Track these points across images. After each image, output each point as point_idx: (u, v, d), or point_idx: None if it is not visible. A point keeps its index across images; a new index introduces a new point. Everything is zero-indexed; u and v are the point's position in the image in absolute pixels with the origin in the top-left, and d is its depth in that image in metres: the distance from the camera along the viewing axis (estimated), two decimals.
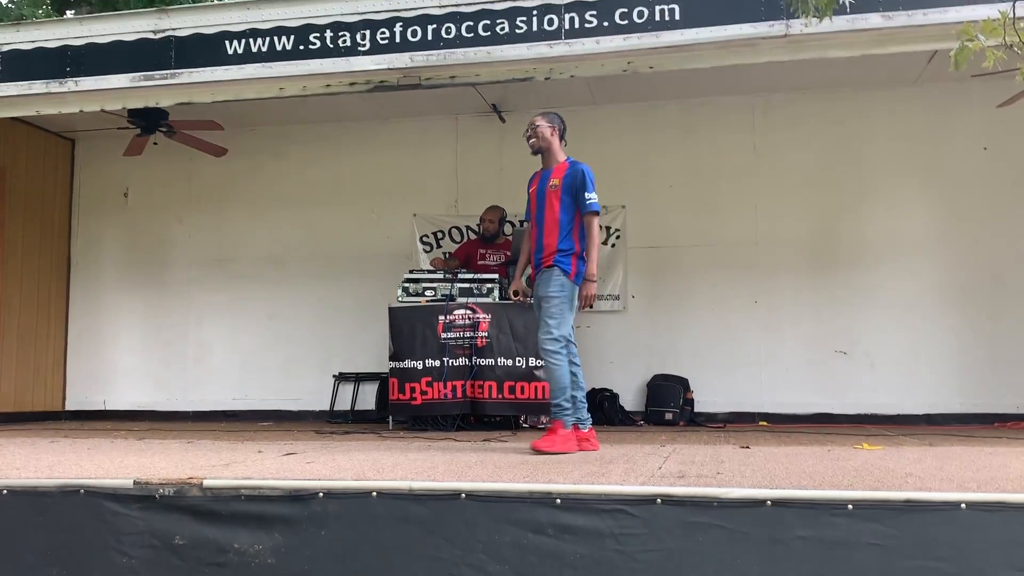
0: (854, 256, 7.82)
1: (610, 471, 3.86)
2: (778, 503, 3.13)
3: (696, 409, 7.87)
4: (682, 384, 7.90)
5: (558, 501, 3.28)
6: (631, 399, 8.06)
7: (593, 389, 7.95)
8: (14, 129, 8.34)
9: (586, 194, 5.04)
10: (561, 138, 5.27)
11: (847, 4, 4.88)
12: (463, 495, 3.36)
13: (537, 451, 4.80)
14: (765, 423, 7.61)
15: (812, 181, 7.96)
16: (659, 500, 3.22)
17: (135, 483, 3.59)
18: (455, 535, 3.32)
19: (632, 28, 5.59)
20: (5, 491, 3.66)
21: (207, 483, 3.56)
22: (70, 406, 9.13)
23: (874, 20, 5.24)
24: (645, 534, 3.20)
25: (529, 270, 5.44)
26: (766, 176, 8.04)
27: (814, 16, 4.77)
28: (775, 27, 5.35)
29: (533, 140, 5.24)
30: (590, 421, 5.21)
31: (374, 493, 3.41)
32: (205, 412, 8.74)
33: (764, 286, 7.95)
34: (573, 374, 5.09)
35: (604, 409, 7.76)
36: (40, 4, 12.21)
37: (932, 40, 5.31)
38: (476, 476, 3.66)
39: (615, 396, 7.91)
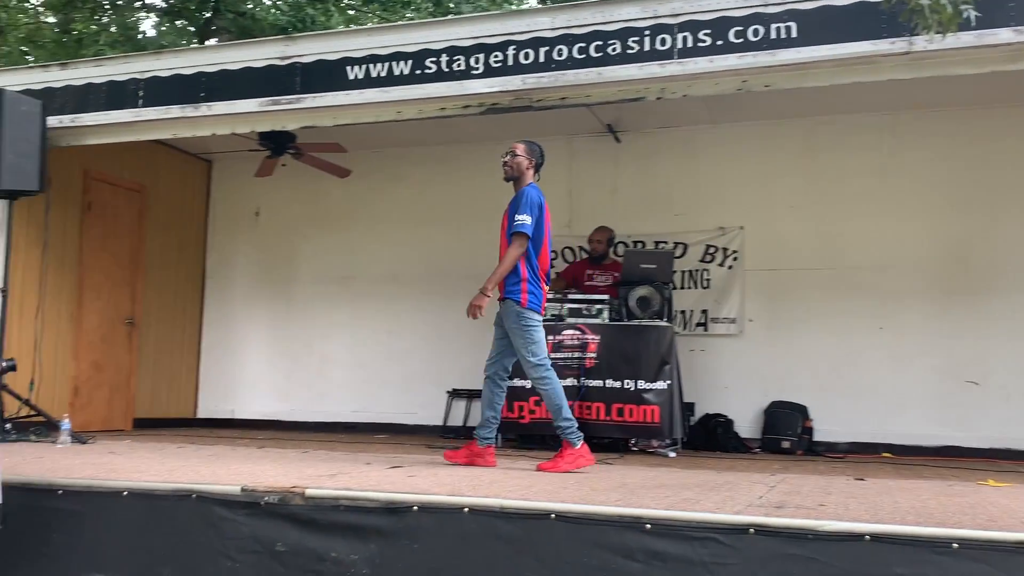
0: (987, 282, 7.41)
1: (707, 498, 3.80)
2: (877, 538, 3.02)
3: (815, 438, 7.60)
4: (801, 412, 7.66)
5: (648, 526, 3.26)
6: (746, 426, 7.86)
7: (706, 415, 7.83)
8: (156, 151, 8.89)
9: (516, 215, 5.17)
10: (536, 170, 5.41)
11: (972, 18, 4.66)
12: (553, 516, 3.38)
13: (543, 471, 4.90)
14: (888, 454, 7.28)
15: (942, 203, 7.60)
16: (752, 530, 3.16)
17: (243, 490, 3.78)
18: (544, 555, 3.35)
19: (747, 47, 5.51)
20: (125, 492, 3.91)
21: (309, 492, 3.70)
22: (201, 414, 9.61)
23: (1004, 35, 4.99)
24: (737, 564, 3.14)
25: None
26: (893, 197, 7.73)
27: (937, 32, 4.59)
28: (896, 44, 5.17)
29: (507, 168, 5.38)
30: (492, 441, 5.29)
31: (466, 509, 3.48)
32: (326, 423, 9.04)
33: (890, 312, 7.62)
34: (496, 394, 5.34)
35: (717, 435, 7.60)
36: (183, 35, 13.02)
37: None
38: (569, 497, 3.67)
39: (729, 422, 7.75)
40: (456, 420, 8.53)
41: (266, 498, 3.72)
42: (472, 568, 3.41)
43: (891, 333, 7.62)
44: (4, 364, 3.46)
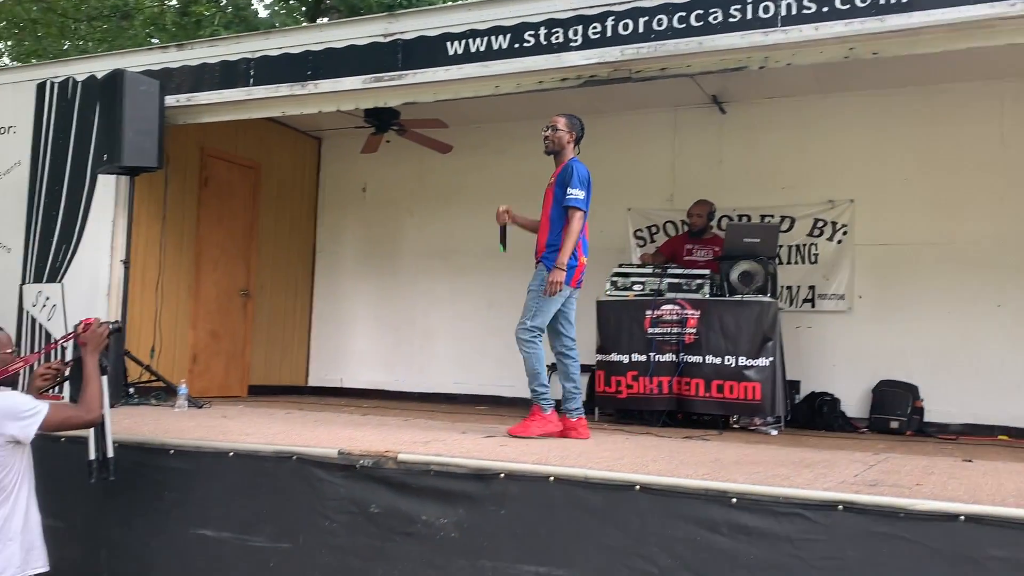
0: None
1: (799, 475, 3.74)
2: (973, 519, 2.93)
3: (926, 419, 7.33)
4: (911, 391, 7.39)
5: (733, 500, 3.25)
6: (853, 405, 7.64)
7: (812, 393, 7.65)
8: (269, 128, 9.21)
9: (570, 188, 5.35)
10: (576, 143, 5.61)
11: None
12: (637, 487, 3.40)
13: (513, 435, 5.00)
14: (1006, 437, 6.97)
15: None
16: (840, 507, 3.11)
17: (339, 453, 3.93)
18: (628, 525, 3.37)
19: (854, 12, 5.31)
20: (231, 453, 4.12)
21: (401, 457, 3.83)
22: (312, 382, 9.96)
23: None
24: (824, 540, 3.10)
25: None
26: (1015, 169, 7.33)
27: None
28: (1017, 6, 4.90)
29: (548, 141, 5.54)
30: (581, 412, 5.41)
31: (552, 478, 3.53)
32: (428, 394, 9.23)
33: (1009, 289, 7.26)
34: (568, 366, 5.48)
35: (823, 414, 7.43)
36: (292, 12, 13.38)
37: None
38: (656, 470, 3.67)
39: (835, 401, 7.55)
40: (555, 394, 8.54)
41: (361, 461, 3.86)
42: (556, 535, 3.46)
43: (1010, 311, 7.26)
44: (112, 325, 3.68)
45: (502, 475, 3.59)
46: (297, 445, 4.12)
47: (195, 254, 8.57)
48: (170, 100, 7.20)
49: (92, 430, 3.81)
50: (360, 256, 9.96)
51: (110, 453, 3.80)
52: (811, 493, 3.18)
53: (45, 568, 3.43)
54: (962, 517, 2.92)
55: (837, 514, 3.09)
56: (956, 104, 7.59)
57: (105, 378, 3.68)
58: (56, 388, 4.30)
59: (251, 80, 7.09)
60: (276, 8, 13.85)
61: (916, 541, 2.95)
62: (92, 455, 3.75)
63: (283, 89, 6.98)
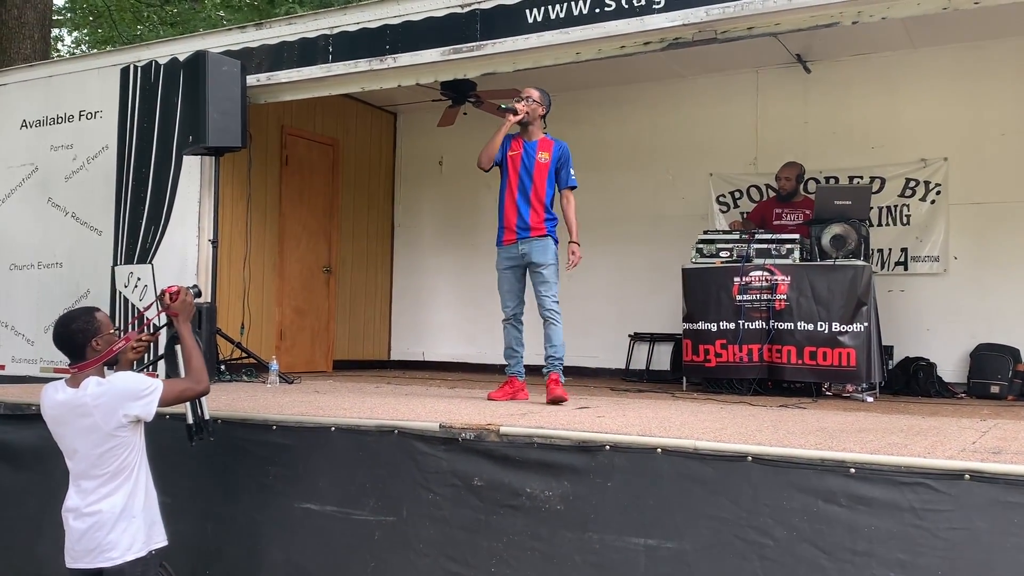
0: None
1: (914, 443, 3.60)
2: None
3: None
4: (1012, 355, 7.12)
5: (852, 471, 3.14)
6: (951, 370, 7.40)
7: (906, 358, 7.43)
8: (345, 105, 9.24)
9: (571, 171, 5.79)
10: (543, 117, 5.80)
11: None
12: (750, 458, 3.31)
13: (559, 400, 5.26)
14: None
15: None
16: (968, 476, 2.97)
17: (440, 427, 3.91)
18: (740, 497, 3.29)
19: None
20: (333, 428, 4.14)
21: (503, 430, 3.79)
22: (394, 356, 10.04)
23: None
24: (950, 511, 2.98)
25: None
26: None
27: None
28: None
29: (527, 113, 5.65)
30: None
31: (659, 450, 3.46)
32: None
33: None
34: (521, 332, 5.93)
35: (919, 379, 7.20)
36: None
37: None
38: (765, 440, 3.57)
39: (932, 366, 7.31)
40: (638, 364, 8.50)
41: (463, 435, 3.84)
42: (665, 508, 3.40)
43: None
44: (192, 290, 3.70)
45: (607, 447, 3.53)
46: (397, 419, 4.11)
47: (279, 232, 8.67)
48: (251, 80, 7.24)
49: None
50: (438, 230, 9.96)
51: (207, 416, 3.85)
52: (935, 462, 3.05)
53: (165, 542, 3.49)
54: None
55: (964, 483, 2.96)
56: None
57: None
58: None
59: (330, 56, 7.09)
60: None
61: None
62: (190, 419, 3.80)
63: (362, 64, 6.96)
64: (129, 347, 3.58)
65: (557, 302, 5.65)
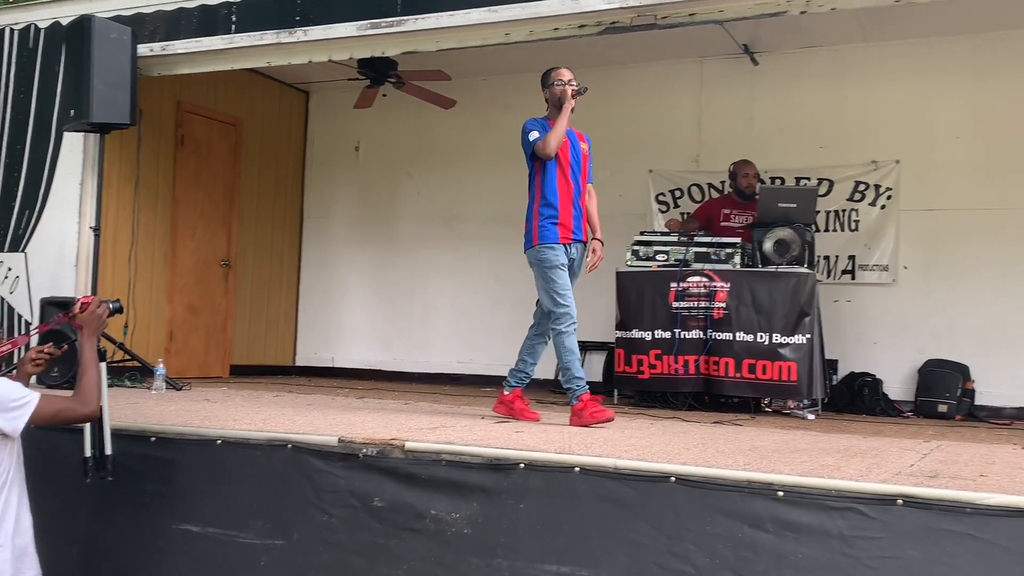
0: None
1: (849, 465, 3.69)
2: None
3: (977, 401, 7.28)
4: (961, 372, 7.34)
5: (780, 493, 3.20)
6: (897, 386, 7.59)
7: (851, 373, 7.61)
8: (251, 81, 9.10)
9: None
10: None
11: None
12: (673, 479, 3.34)
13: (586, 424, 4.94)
14: None
15: None
16: (900, 501, 3.05)
17: (340, 441, 3.88)
18: (662, 521, 3.32)
19: None
20: (219, 441, 4.07)
21: (409, 445, 3.77)
22: (300, 362, 9.91)
23: None
24: (881, 538, 3.05)
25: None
26: None
27: None
28: None
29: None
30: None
31: (577, 468, 3.48)
32: (429, 374, 9.18)
33: None
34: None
35: (863, 396, 7.38)
36: None
37: None
38: (691, 460, 3.62)
39: (877, 382, 7.49)
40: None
41: (364, 450, 3.81)
42: (582, 532, 3.41)
43: None
44: (111, 305, 3.59)
45: (521, 465, 3.53)
46: (292, 432, 4.06)
47: (171, 220, 8.49)
48: (143, 49, 7.07)
49: (88, 423, 3.73)
50: (353, 222, 9.88)
51: (108, 450, 3.71)
52: (867, 486, 3.13)
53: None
54: None
55: (896, 509, 3.04)
56: (1012, 53, 7.47)
57: (104, 365, 3.60)
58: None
59: (233, 27, 6.98)
60: None
61: (985, 539, 2.90)
62: (87, 451, 3.66)
63: (269, 37, 6.86)
64: (27, 359, 3.46)
65: None
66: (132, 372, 7.04)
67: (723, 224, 7.37)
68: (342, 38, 6.71)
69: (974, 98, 7.59)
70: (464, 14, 6.28)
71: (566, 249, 5.33)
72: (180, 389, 6.70)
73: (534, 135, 5.36)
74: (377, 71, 8.06)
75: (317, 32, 6.73)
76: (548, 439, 4.15)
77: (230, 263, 9.11)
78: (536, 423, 5.06)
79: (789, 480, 3.21)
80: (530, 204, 5.44)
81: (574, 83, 5.41)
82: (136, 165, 7.95)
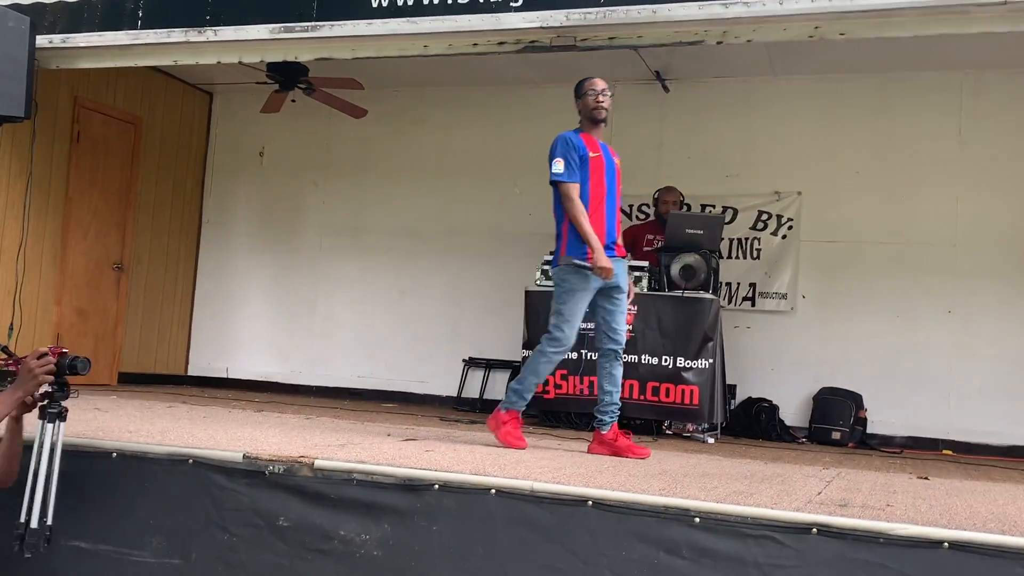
0: None
1: (760, 491, 3.72)
2: (958, 546, 2.93)
3: (869, 430, 7.52)
4: (854, 400, 7.56)
5: (696, 520, 3.18)
6: (792, 413, 7.78)
7: (749, 399, 7.75)
8: (153, 79, 8.81)
9: None
10: None
11: None
12: (590, 503, 3.30)
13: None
14: (950, 452, 7.19)
15: None
16: (815, 530, 3.07)
17: (245, 457, 3.72)
18: (577, 546, 3.28)
19: None
20: (115, 454, 3.86)
21: (319, 463, 3.64)
22: (193, 371, 9.60)
23: None
24: (796, 567, 3.06)
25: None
26: (971, 166, 7.56)
27: None
28: None
29: (608, 107, 5.20)
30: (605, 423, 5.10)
31: (493, 491, 3.41)
32: (328, 388, 9.01)
33: (961, 294, 7.48)
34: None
35: (760, 422, 7.53)
36: None
37: None
38: (606, 483, 3.59)
39: (774, 408, 7.65)
40: (471, 392, 8.49)
41: (271, 467, 3.67)
42: (495, 556, 3.34)
43: (960, 318, 7.49)
44: (78, 363, 3.28)
45: (436, 486, 3.44)
46: (193, 446, 3.88)
47: (63, 219, 8.15)
48: (42, 40, 6.75)
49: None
50: (254, 230, 9.64)
51: (49, 519, 3.32)
52: (782, 514, 3.14)
53: None
54: (946, 544, 2.93)
55: (811, 538, 3.06)
56: (913, 94, 7.79)
57: (51, 427, 3.27)
58: None
59: (139, 22, 6.72)
60: None
61: (897, 569, 2.94)
62: (23, 516, 3.28)
63: (176, 35, 6.63)
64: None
65: None
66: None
67: (646, 249, 7.44)
68: (254, 40, 6.52)
69: (875, 135, 7.86)
70: (383, 23, 6.17)
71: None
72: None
73: (558, 167, 4.98)
74: (287, 76, 7.89)
75: (228, 33, 6.53)
76: (460, 459, 4.08)
77: (123, 267, 8.77)
78: (449, 443, 4.96)
79: (705, 506, 3.20)
80: (558, 223, 5.07)
81: (607, 93, 5.18)
82: (29, 161, 7.59)
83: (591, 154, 5.05)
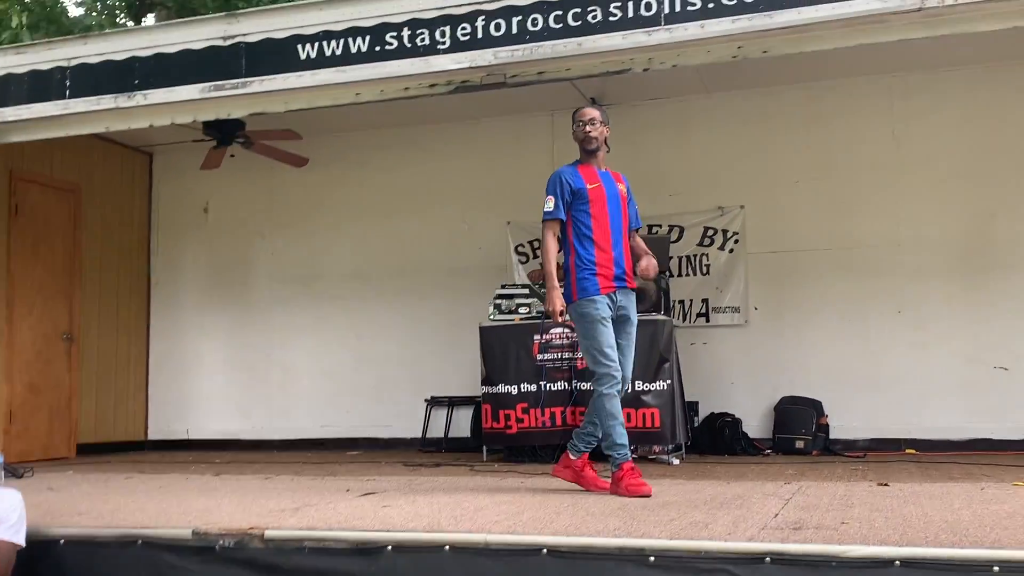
0: (1015, 257, 7.35)
1: (716, 520, 3.71)
2: (909, 563, 2.95)
3: (832, 435, 7.56)
4: (815, 407, 7.60)
5: (651, 559, 3.17)
6: (756, 424, 7.81)
7: (712, 414, 7.77)
8: (90, 145, 8.72)
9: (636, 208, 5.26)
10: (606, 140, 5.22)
11: None
12: (544, 551, 3.28)
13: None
14: (912, 451, 7.24)
15: (963, 172, 7.53)
16: (768, 559, 3.07)
17: (194, 533, 3.66)
18: None
19: (741, 8, 5.38)
20: (62, 541, 3.79)
21: (269, 534, 3.59)
22: (153, 435, 9.47)
23: None
24: None
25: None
26: (909, 168, 7.66)
27: None
28: (908, 0, 5.08)
29: (596, 136, 5.09)
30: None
31: (447, 547, 3.38)
32: (292, 440, 8.92)
33: (909, 294, 7.57)
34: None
35: (724, 437, 7.54)
36: (112, 12, 12.76)
37: None
38: (562, 527, 3.58)
39: (737, 422, 7.68)
40: (436, 431, 8.44)
41: (220, 542, 3.61)
42: None
43: (910, 317, 7.57)
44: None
45: (389, 547, 3.41)
46: (142, 526, 3.82)
47: (6, 295, 8.03)
48: None
49: None
50: (204, 287, 9.56)
51: None
52: (735, 545, 3.14)
53: None
54: (897, 562, 2.94)
55: (765, 567, 3.06)
56: (845, 100, 7.90)
57: None
58: None
59: (67, 92, 6.65)
60: (92, 5, 13.18)
61: None
62: None
63: (106, 101, 6.57)
64: None
65: None
66: None
67: None
68: (185, 101, 6.48)
69: (811, 143, 7.96)
70: (312, 75, 6.16)
71: (610, 299, 4.88)
72: (21, 476, 6.26)
73: (548, 205, 4.98)
74: (224, 132, 7.84)
75: (158, 95, 6.48)
76: (417, 513, 4.04)
77: (73, 337, 8.64)
78: (410, 493, 4.92)
79: (659, 544, 3.20)
80: (566, 257, 5.02)
81: (595, 122, 5.11)
82: None
83: (589, 186, 5.01)
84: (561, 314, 4.90)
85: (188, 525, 3.75)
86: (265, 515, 4.01)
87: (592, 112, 5.18)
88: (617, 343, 4.92)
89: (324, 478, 5.92)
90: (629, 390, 5.41)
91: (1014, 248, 7.39)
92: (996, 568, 2.86)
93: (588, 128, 5.10)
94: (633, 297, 5.08)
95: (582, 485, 4.93)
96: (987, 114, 7.53)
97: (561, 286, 4.96)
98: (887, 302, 7.62)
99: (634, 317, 5.03)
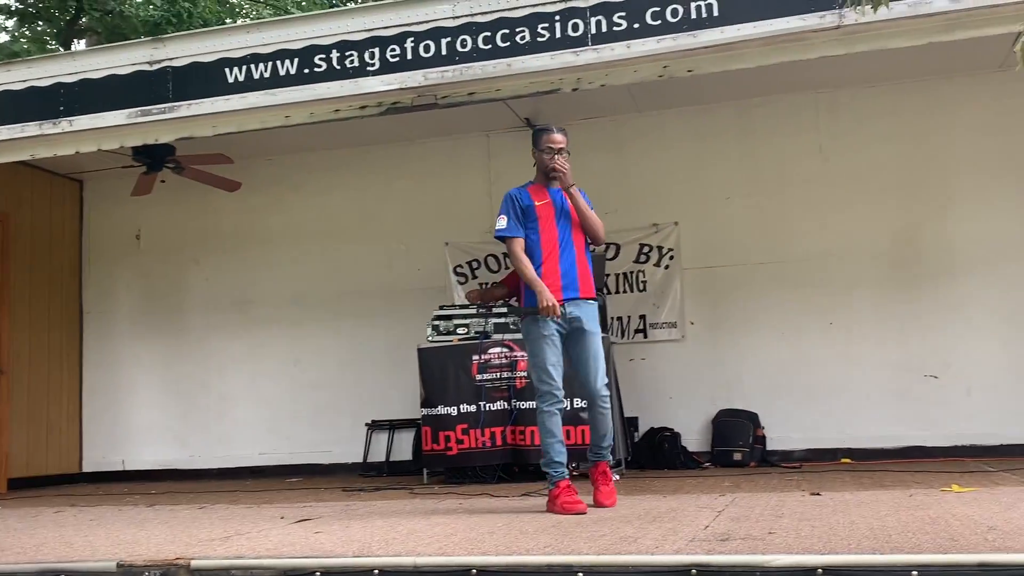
0: (941, 266, 7.53)
1: (647, 534, 3.74)
2: (830, 570, 2.99)
3: (769, 447, 7.65)
4: (752, 420, 7.69)
5: (580, 575, 3.18)
6: (695, 438, 7.88)
7: (651, 429, 7.83)
8: (17, 172, 8.55)
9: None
10: None
11: None
12: (474, 571, 3.28)
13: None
14: (848, 460, 7.36)
15: (889, 184, 7.70)
16: (694, 572, 3.10)
17: (118, 566, 3.60)
18: None
19: (666, 28, 5.49)
20: None
21: (195, 564, 3.55)
22: (87, 467, 9.29)
23: (939, 3, 5.05)
24: None
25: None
26: (836, 181, 7.81)
27: (868, 4, 4.62)
28: (827, 18, 5.20)
29: (563, 171, 5.18)
30: (555, 476, 4.91)
31: (376, 571, 3.36)
32: (230, 469, 8.80)
33: (840, 306, 7.70)
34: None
35: (664, 451, 7.60)
36: (40, 38, 12.59)
37: (1009, 22, 5.09)
38: (493, 546, 3.58)
39: (676, 436, 7.74)
40: (377, 456, 8.39)
41: (146, 573, 3.55)
42: None
43: (842, 328, 7.71)
44: None
45: (317, 574, 3.38)
46: (65, 560, 3.74)
47: None
48: None
49: None
50: (137, 315, 9.42)
51: None
52: (661, 559, 3.17)
53: None
54: (820, 570, 2.97)
55: None
56: (774, 117, 8.04)
57: None
58: None
59: None
60: (19, 32, 12.98)
61: None
62: None
63: (31, 128, 6.49)
64: None
65: (607, 383, 5.03)
66: None
67: None
68: (111, 127, 6.43)
69: (742, 159, 8.08)
70: (240, 98, 6.15)
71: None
72: None
73: (500, 223, 5.09)
74: (153, 157, 7.75)
75: (84, 121, 6.42)
76: (349, 538, 4.02)
77: (2, 369, 8.46)
78: (345, 518, 4.88)
79: (587, 560, 3.21)
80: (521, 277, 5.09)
81: (565, 153, 5.19)
82: None
83: (537, 203, 5.11)
84: (555, 307, 4.87)
85: (114, 557, 3.68)
86: (194, 545, 3.96)
87: (561, 140, 5.20)
88: (575, 353, 4.98)
89: (260, 506, 5.85)
90: (567, 407, 5.49)
91: (940, 258, 7.56)
92: (915, 573, 2.91)
93: (559, 159, 5.17)
94: (591, 308, 5.08)
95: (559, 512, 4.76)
96: (911, 128, 7.72)
97: (515, 301, 5.01)
98: (819, 314, 7.75)
99: (591, 327, 5.00)
